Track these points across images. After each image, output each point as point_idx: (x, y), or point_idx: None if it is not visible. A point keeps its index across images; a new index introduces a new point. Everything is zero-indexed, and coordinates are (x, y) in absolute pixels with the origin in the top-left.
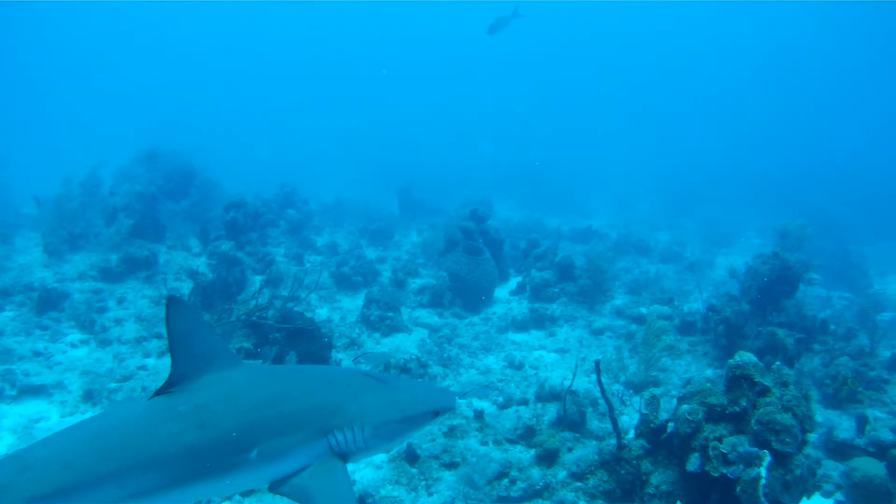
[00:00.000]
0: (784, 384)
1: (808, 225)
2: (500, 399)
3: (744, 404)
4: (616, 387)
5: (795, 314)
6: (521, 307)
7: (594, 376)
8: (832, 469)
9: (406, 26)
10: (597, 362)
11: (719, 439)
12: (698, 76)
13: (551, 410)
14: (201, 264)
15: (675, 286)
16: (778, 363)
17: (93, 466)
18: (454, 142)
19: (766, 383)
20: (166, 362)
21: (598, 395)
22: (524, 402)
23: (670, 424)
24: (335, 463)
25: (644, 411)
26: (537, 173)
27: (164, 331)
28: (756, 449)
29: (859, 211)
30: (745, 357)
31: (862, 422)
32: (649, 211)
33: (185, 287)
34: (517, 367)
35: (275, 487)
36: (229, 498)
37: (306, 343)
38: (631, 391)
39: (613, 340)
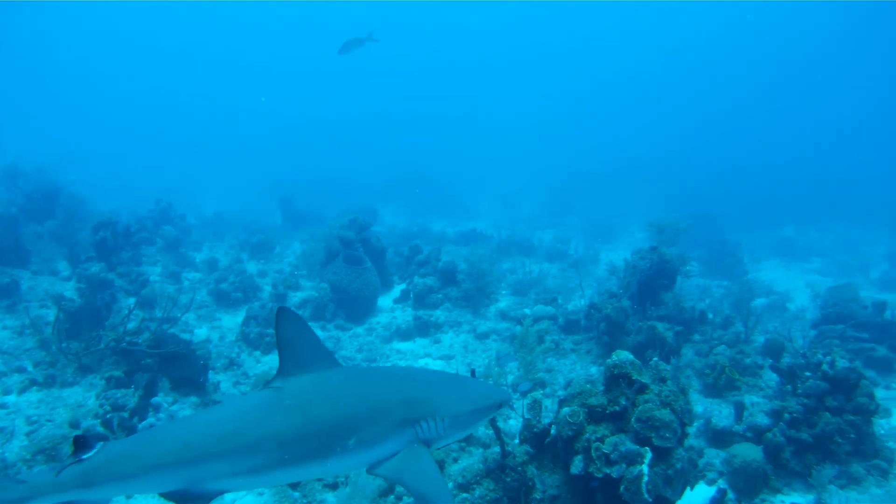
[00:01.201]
0: (662, 380)
1: (684, 219)
2: None
3: (623, 403)
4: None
5: (674, 307)
6: (405, 315)
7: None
8: (714, 457)
9: (282, 32)
10: (472, 371)
11: (601, 440)
12: (583, 75)
13: None
14: (69, 289)
15: (559, 284)
16: (655, 359)
17: (206, 447)
18: (341, 148)
19: (643, 380)
20: (30, 398)
21: None
22: None
23: (553, 428)
24: (421, 448)
25: (527, 416)
26: (425, 177)
27: (26, 364)
28: (637, 447)
29: (735, 201)
30: (622, 356)
31: (740, 408)
32: (535, 210)
33: (52, 314)
34: None
35: (371, 470)
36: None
37: (180, 367)
38: (518, 395)
39: (499, 343)
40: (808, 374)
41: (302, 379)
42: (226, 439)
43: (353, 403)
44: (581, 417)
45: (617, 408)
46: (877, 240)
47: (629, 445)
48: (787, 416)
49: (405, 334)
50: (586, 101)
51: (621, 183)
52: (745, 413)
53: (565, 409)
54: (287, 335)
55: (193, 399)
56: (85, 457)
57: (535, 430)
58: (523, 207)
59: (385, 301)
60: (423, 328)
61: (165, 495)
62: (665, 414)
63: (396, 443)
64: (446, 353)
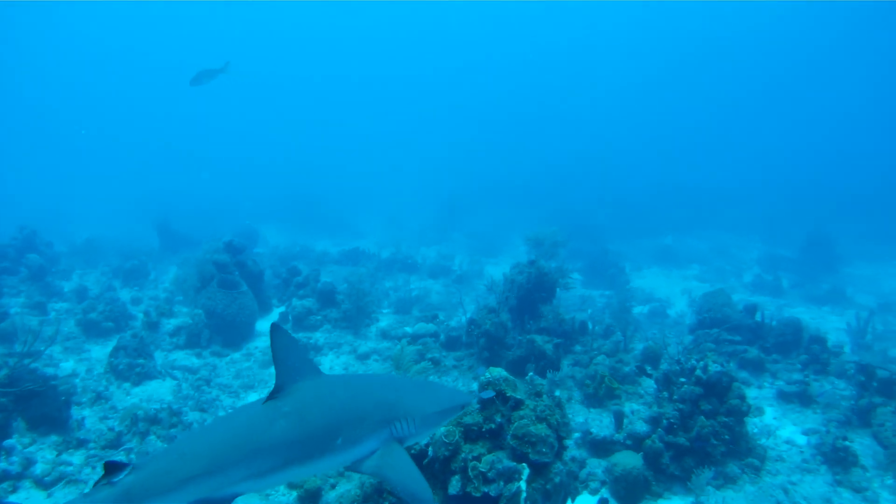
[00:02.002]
0: (537, 394)
1: (561, 231)
2: None
3: (499, 420)
4: None
5: (554, 319)
6: None
7: None
8: (596, 467)
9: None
10: None
11: (478, 458)
12: (467, 90)
13: None
14: None
15: (443, 301)
16: (531, 374)
17: (227, 454)
18: (223, 167)
19: (518, 396)
20: None
21: None
22: None
23: (431, 449)
24: (396, 446)
25: None
26: (310, 197)
27: None
28: (514, 463)
29: (618, 212)
30: (496, 373)
31: (619, 417)
32: (421, 227)
33: None
34: None
35: (354, 468)
36: None
37: (38, 405)
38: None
39: (380, 364)
40: (682, 379)
41: (295, 388)
42: (240, 446)
43: (339, 408)
44: (457, 437)
45: (493, 425)
46: (750, 245)
47: (506, 463)
48: (664, 422)
49: None
50: (472, 115)
51: (507, 198)
52: (625, 421)
53: (441, 430)
54: (281, 350)
55: (54, 438)
56: (115, 480)
57: (412, 452)
58: (410, 225)
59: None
60: None
61: None
62: (541, 429)
63: (376, 441)
64: None
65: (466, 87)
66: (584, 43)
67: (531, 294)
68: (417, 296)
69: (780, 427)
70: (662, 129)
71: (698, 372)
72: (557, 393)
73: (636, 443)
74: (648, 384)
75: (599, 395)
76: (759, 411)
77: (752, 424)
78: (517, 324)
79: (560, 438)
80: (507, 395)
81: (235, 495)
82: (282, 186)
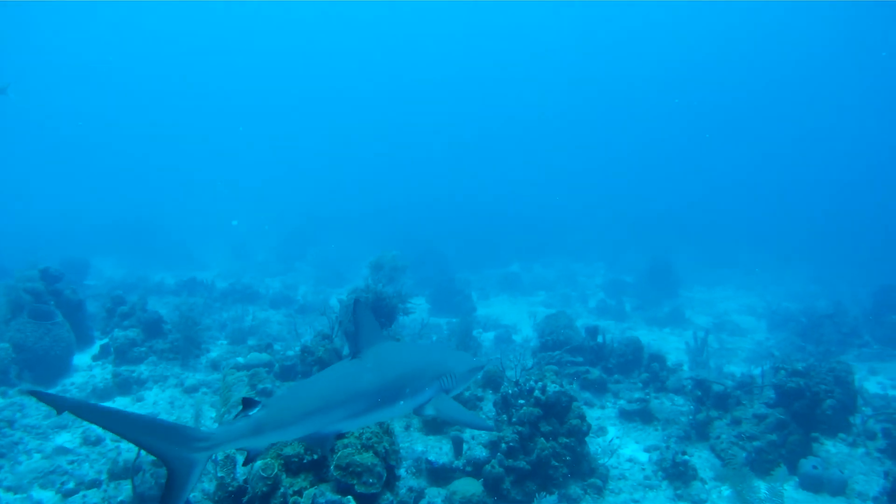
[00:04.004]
0: None
1: (402, 256)
2: (70, 484)
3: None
4: None
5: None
6: (104, 373)
7: None
8: (435, 496)
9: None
10: None
11: (299, 493)
12: (314, 116)
13: (126, 489)
14: None
15: (283, 331)
16: None
17: (331, 398)
18: (58, 191)
19: None
20: None
21: None
22: (96, 483)
23: (249, 485)
24: (445, 395)
25: (220, 474)
26: (152, 226)
27: None
28: (338, 497)
29: (467, 241)
30: None
31: (458, 443)
32: (266, 257)
33: None
34: (94, 442)
35: (418, 411)
36: None
37: None
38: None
39: (210, 396)
40: (521, 401)
41: (371, 350)
42: (339, 392)
43: (406, 365)
44: (276, 470)
45: (315, 456)
46: (595, 272)
47: (329, 496)
48: (503, 446)
49: (103, 394)
50: (323, 145)
51: (357, 228)
52: (465, 447)
53: (258, 463)
54: (361, 322)
55: None
56: (251, 413)
57: (230, 488)
58: (255, 255)
59: (83, 359)
60: (124, 386)
61: (303, 439)
62: (367, 458)
63: (430, 391)
64: (150, 411)
65: (316, 117)
66: (431, 79)
67: None
68: (255, 325)
69: (623, 445)
70: (510, 160)
71: (537, 393)
72: (391, 422)
73: (476, 469)
74: (489, 409)
75: (439, 421)
76: (602, 431)
77: (595, 444)
78: (353, 350)
79: (390, 467)
80: None
81: (338, 432)
82: (121, 215)
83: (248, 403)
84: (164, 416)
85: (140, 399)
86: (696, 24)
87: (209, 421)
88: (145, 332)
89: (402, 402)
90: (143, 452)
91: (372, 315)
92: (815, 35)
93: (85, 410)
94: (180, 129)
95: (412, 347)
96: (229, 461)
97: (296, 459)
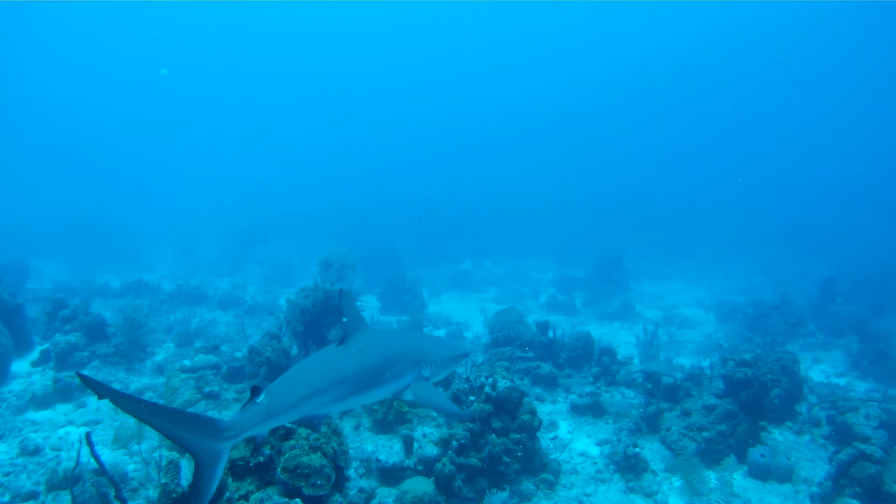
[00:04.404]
0: None
1: (351, 253)
2: (5, 497)
3: (268, 452)
4: (163, 452)
5: None
6: (44, 379)
7: (138, 446)
8: (386, 496)
9: None
10: (87, 434)
11: (245, 497)
12: (266, 118)
13: (66, 500)
14: None
15: (231, 332)
16: None
17: (319, 382)
18: None
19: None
20: None
21: (130, 468)
22: (33, 495)
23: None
24: (424, 381)
25: (163, 480)
26: (98, 227)
27: None
28: (286, 500)
29: (418, 239)
30: None
31: (409, 442)
32: (215, 258)
33: None
34: (33, 452)
35: (397, 396)
36: None
37: None
38: (178, 455)
39: (155, 399)
40: (472, 398)
41: (356, 337)
42: (326, 378)
43: (386, 352)
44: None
45: (262, 458)
46: (546, 268)
47: (276, 500)
48: (454, 443)
49: (43, 401)
50: (273, 145)
51: (307, 228)
52: (415, 446)
53: None
54: (347, 310)
55: None
56: (258, 400)
57: (174, 495)
58: (204, 256)
59: (22, 365)
60: (65, 392)
61: (297, 421)
62: (315, 459)
63: (410, 377)
64: (93, 417)
65: (268, 118)
66: (382, 79)
67: (318, 319)
68: (202, 327)
69: (575, 440)
70: (461, 158)
71: (487, 389)
72: (340, 421)
73: (427, 467)
74: None
75: (389, 420)
76: (554, 426)
77: (547, 439)
78: (302, 350)
79: (338, 469)
80: None
81: (327, 415)
82: (62, 215)
83: (254, 391)
84: (107, 423)
85: (82, 405)
86: (653, 25)
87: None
88: (88, 336)
89: (382, 387)
90: (82, 461)
91: (354, 303)
92: (768, 33)
93: (123, 400)
94: (130, 129)
95: (395, 334)
96: (173, 466)
97: (241, 463)
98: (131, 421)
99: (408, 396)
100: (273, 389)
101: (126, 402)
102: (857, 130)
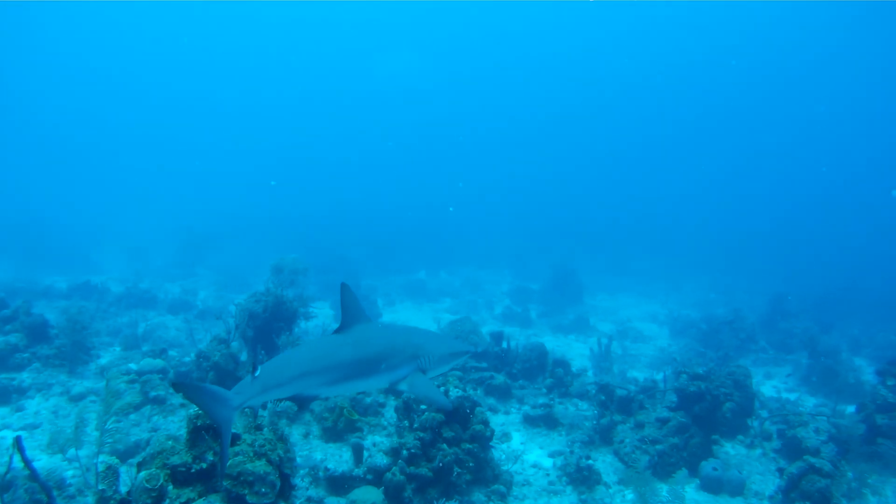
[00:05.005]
0: (258, 427)
1: (302, 259)
2: None
3: (211, 458)
4: (102, 458)
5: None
6: None
7: (75, 451)
8: None
9: None
10: (17, 438)
11: None
12: (219, 119)
13: None
14: None
15: (181, 336)
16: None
17: (310, 365)
18: None
19: (233, 431)
20: None
21: (69, 474)
22: None
23: (132, 498)
24: (420, 374)
25: (101, 486)
26: (43, 227)
27: None
28: None
29: (374, 248)
30: None
31: (358, 451)
32: (166, 262)
33: None
34: None
35: (392, 386)
36: None
37: None
38: (117, 460)
39: (98, 405)
40: (423, 406)
41: (354, 328)
42: (319, 362)
43: (383, 343)
44: (161, 481)
45: (204, 465)
46: (501, 280)
47: None
48: (405, 452)
49: None
50: (226, 148)
51: (262, 234)
52: (365, 455)
53: (142, 474)
54: (346, 301)
55: None
56: (256, 374)
57: (111, 502)
58: (155, 259)
59: None
60: (2, 395)
61: (289, 398)
62: (259, 466)
63: (406, 369)
64: (31, 421)
65: (223, 122)
66: (336, 85)
67: (269, 324)
68: (151, 331)
69: (527, 451)
70: (417, 168)
71: None
72: (288, 429)
73: (377, 477)
74: (391, 414)
75: (339, 428)
76: (507, 437)
77: (500, 450)
78: (251, 356)
79: (284, 476)
80: None
81: (316, 396)
82: (13, 214)
83: (254, 368)
84: (46, 427)
85: (20, 409)
86: (603, 55)
87: (91, 430)
88: (29, 337)
89: (377, 376)
90: (13, 466)
91: (355, 296)
92: (717, 41)
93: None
94: (82, 129)
95: (395, 329)
96: (111, 472)
97: (183, 469)
98: (69, 425)
99: (403, 387)
100: (268, 367)
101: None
102: (807, 154)
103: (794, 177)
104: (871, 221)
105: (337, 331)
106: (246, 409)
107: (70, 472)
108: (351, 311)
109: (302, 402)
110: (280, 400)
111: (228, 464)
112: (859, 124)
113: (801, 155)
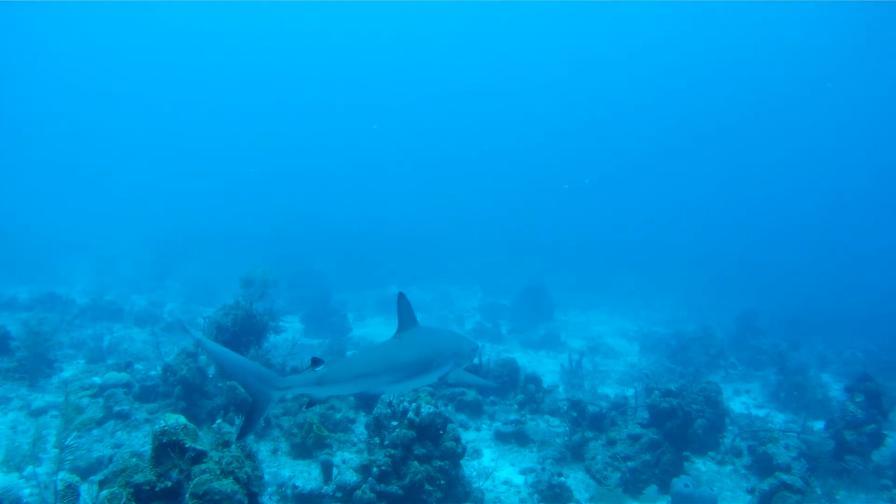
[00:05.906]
0: (225, 444)
1: (272, 271)
2: None
3: (176, 476)
4: (62, 475)
5: (262, 364)
6: None
7: (32, 468)
8: None
9: None
10: None
11: None
12: (192, 134)
13: None
14: None
15: (148, 349)
16: (219, 421)
17: (378, 365)
18: None
19: (199, 448)
20: None
21: (26, 493)
22: None
23: None
24: (460, 369)
25: None
26: (6, 235)
27: None
28: None
29: (346, 263)
30: (171, 420)
31: (328, 468)
32: (135, 273)
33: None
34: None
35: (441, 380)
36: None
37: None
38: (78, 478)
39: (59, 420)
40: (394, 423)
41: (408, 332)
42: (384, 363)
43: (433, 346)
44: (124, 500)
45: (169, 483)
46: (472, 295)
47: None
48: (375, 469)
49: None
50: (198, 161)
51: (231, 246)
52: (334, 472)
53: (104, 492)
54: (403, 309)
55: None
56: (318, 369)
57: None
58: (123, 271)
59: None
60: None
61: (354, 394)
62: (226, 484)
63: (449, 365)
64: None
65: (193, 129)
66: (310, 95)
67: (238, 338)
68: (116, 344)
69: (498, 468)
70: (389, 183)
71: (411, 415)
72: (256, 445)
73: (346, 494)
74: (361, 430)
75: (308, 444)
76: (478, 454)
77: (471, 467)
78: (219, 369)
79: (252, 495)
80: (186, 445)
81: (381, 393)
82: None
83: (314, 362)
84: (2, 443)
85: None
86: (571, 67)
87: (51, 446)
88: None
89: (430, 374)
90: None
91: (409, 305)
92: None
93: (211, 348)
94: (55, 136)
95: (436, 332)
96: (71, 491)
97: (147, 487)
98: (27, 441)
99: (450, 379)
100: (333, 364)
101: (213, 350)
102: (776, 170)
103: (766, 197)
104: (839, 240)
105: (395, 336)
106: (288, 399)
107: (27, 491)
108: (405, 318)
109: (366, 400)
110: (342, 396)
111: (193, 482)
112: (827, 147)
113: (773, 177)
